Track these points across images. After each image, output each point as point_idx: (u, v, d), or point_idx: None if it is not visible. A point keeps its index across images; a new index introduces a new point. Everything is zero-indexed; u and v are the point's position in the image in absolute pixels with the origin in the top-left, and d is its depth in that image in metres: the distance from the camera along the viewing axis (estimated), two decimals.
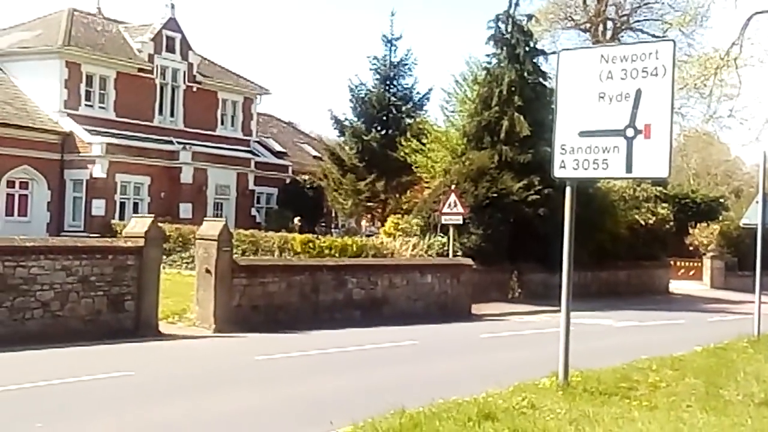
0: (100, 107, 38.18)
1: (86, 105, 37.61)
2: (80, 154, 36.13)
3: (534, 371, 11.46)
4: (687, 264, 46.69)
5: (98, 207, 35.62)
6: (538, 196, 29.84)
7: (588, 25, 53.96)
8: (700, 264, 46.65)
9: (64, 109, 36.73)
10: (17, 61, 38.01)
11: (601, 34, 53.54)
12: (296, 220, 36.75)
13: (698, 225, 47.06)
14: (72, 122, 36.51)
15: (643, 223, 39.13)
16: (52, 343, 14.71)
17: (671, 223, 42.37)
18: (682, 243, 45.87)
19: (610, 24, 55.08)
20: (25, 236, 18.42)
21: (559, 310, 11.07)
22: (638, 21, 54.55)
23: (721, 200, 52.92)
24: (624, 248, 36.70)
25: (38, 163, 35.64)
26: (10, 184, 35.32)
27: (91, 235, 31.30)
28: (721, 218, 48.54)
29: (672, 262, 43.54)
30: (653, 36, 49.24)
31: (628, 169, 10.14)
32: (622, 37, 52.70)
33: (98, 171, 35.76)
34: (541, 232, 27.54)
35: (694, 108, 50.44)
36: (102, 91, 38.38)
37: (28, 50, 37.90)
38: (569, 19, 54.42)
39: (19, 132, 34.99)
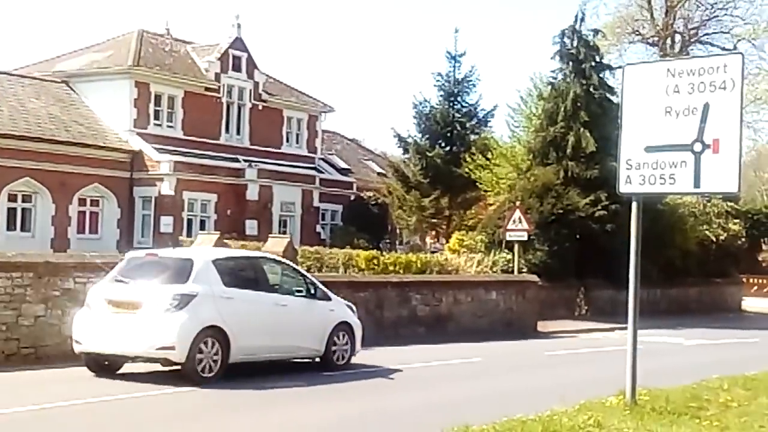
0: (168, 126, 38.80)
1: (155, 124, 38.26)
2: (149, 172, 36.76)
3: (600, 389, 11.30)
4: (760, 281, 45.60)
5: (166, 224, 36.15)
6: (605, 212, 29.47)
7: (656, 39, 53.13)
8: None
9: (134, 128, 37.39)
10: (88, 81, 38.83)
11: (669, 47, 52.65)
12: None
13: None
14: (141, 141, 37.17)
15: (714, 239, 38.35)
16: None
17: (743, 240, 41.45)
18: (755, 260, 44.88)
19: (678, 38, 54.14)
20: (95, 253, 18.76)
21: (627, 328, 10.92)
22: (707, 34, 53.55)
23: None
24: (694, 265, 36.02)
25: (108, 181, 36.32)
26: (82, 201, 36.05)
27: None
28: None
29: (744, 279, 42.57)
30: (723, 49, 48.32)
31: (696, 185, 9.98)
32: (692, 50, 51.75)
33: (166, 188, 36.33)
34: (609, 248, 27.16)
35: (767, 121, 49.39)
36: (170, 110, 39.02)
37: (98, 71, 38.67)
38: (636, 33, 53.70)
39: (90, 151, 35.76)
